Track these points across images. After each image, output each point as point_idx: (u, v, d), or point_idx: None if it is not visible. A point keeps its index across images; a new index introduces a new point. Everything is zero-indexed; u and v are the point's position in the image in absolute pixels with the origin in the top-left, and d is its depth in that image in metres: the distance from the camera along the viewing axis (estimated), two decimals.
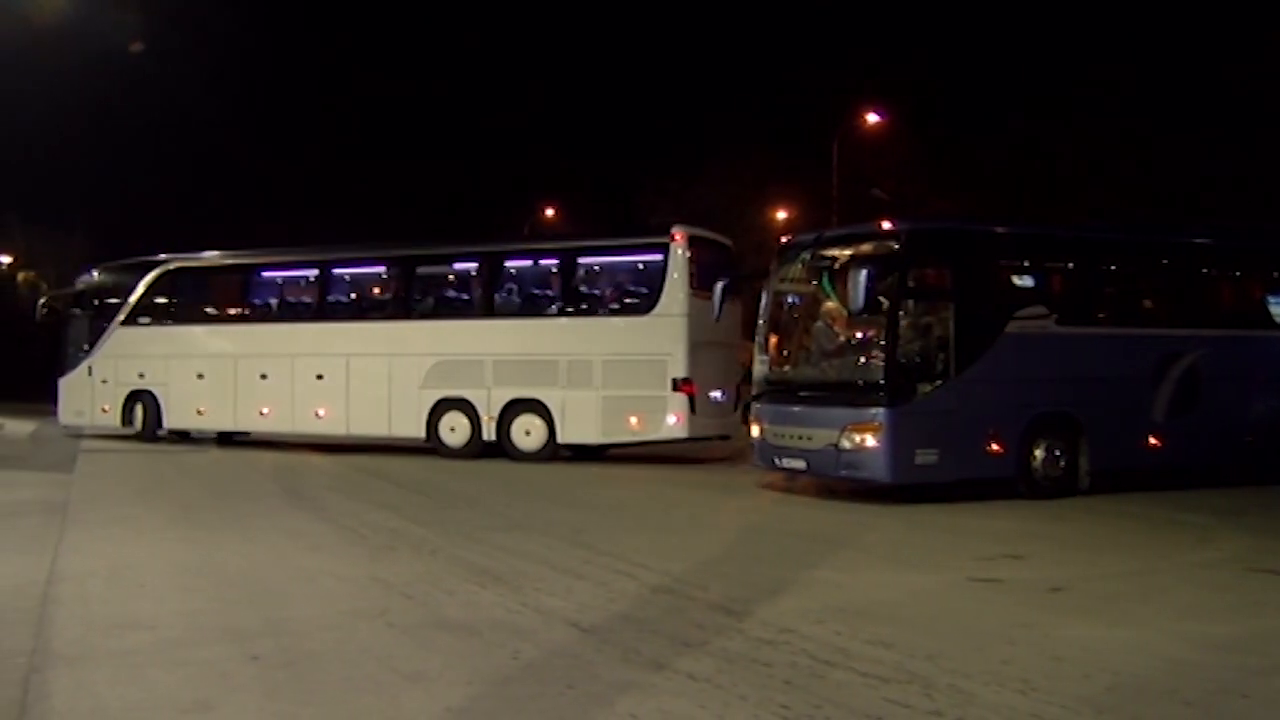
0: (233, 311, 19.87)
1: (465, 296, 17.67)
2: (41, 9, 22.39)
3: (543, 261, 17.22)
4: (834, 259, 12.04)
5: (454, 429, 16.67)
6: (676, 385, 15.04)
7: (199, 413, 19.28)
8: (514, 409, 16.18)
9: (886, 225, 11.61)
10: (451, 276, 18.06)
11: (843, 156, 35.48)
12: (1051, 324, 11.91)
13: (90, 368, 20.55)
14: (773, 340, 12.76)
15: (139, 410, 19.90)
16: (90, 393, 20.47)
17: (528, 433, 16.15)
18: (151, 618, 6.11)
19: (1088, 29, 35.16)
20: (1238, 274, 14.33)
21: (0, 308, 47.20)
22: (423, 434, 16.83)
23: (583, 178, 54.97)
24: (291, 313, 18.83)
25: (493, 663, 5.27)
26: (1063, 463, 11.85)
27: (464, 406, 16.54)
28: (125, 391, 20.02)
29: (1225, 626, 6.30)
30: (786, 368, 12.62)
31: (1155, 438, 12.41)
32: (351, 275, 18.86)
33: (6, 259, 54.11)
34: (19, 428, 22.42)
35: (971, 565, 8.02)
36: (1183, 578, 7.88)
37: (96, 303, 21.05)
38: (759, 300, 13.13)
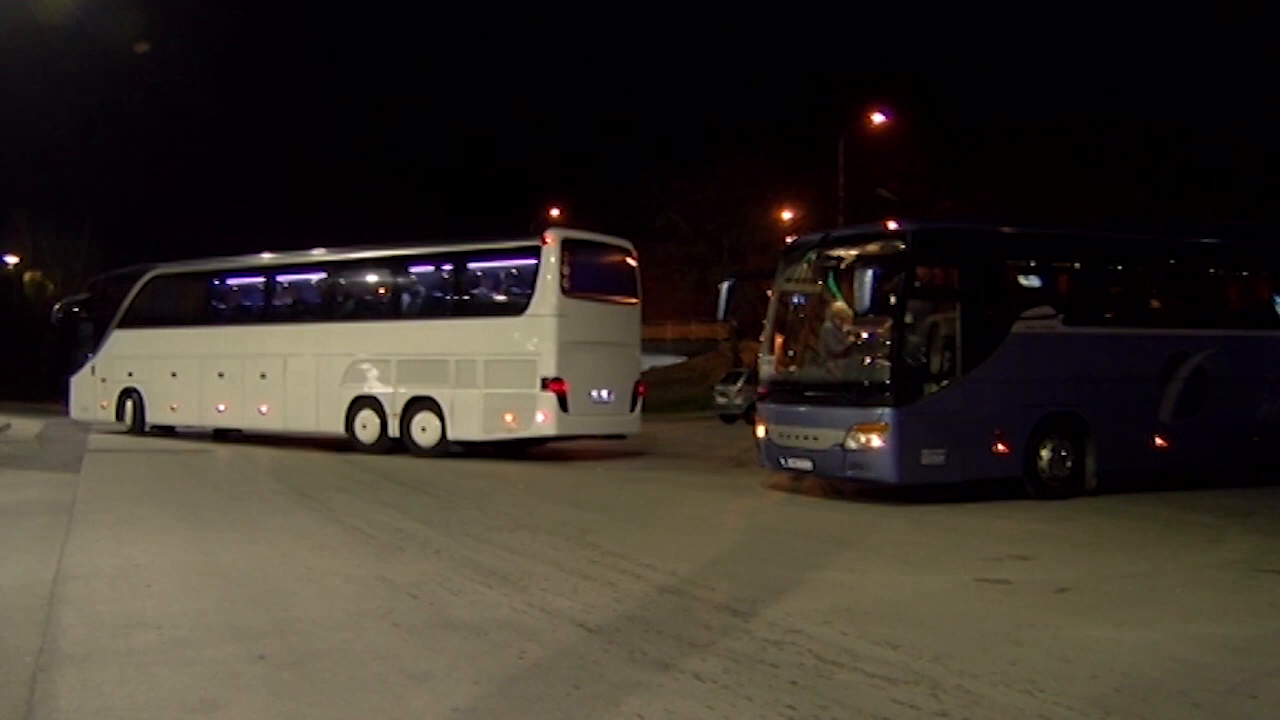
0: (198, 315, 21.10)
1: (375, 300, 18.63)
2: (47, 9, 22.45)
3: (437, 265, 17.96)
4: (840, 259, 12.04)
5: (365, 426, 17.61)
6: (545, 384, 15.56)
7: (172, 409, 20.82)
8: (414, 406, 16.97)
9: (893, 225, 11.59)
10: (363, 281, 19.02)
11: (849, 157, 35.44)
12: (1058, 324, 11.89)
13: (94, 367, 22.36)
14: (778, 340, 12.75)
15: (129, 406, 21.57)
16: (94, 390, 22.29)
17: (424, 429, 16.92)
18: (158, 617, 6.11)
19: (1093, 29, 35.07)
20: (1245, 274, 14.30)
21: (7, 307, 47.29)
22: (343, 430, 17.79)
23: (589, 178, 55.08)
24: (242, 316, 20.42)
25: (499, 663, 5.27)
26: (1069, 463, 11.83)
27: (374, 404, 17.46)
28: (118, 389, 21.76)
29: (1234, 627, 6.28)
30: (792, 368, 12.61)
31: (1162, 438, 12.38)
32: (289, 281, 20.07)
33: (13, 259, 54.22)
34: (26, 427, 22.46)
35: (979, 566, 8.00)
36: (1191, 578, 7.85)
37: (101, 307, 22.70)
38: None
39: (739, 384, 32.43)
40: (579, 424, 16.01)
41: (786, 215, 42.81)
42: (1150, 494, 12.14)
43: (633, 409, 16.76)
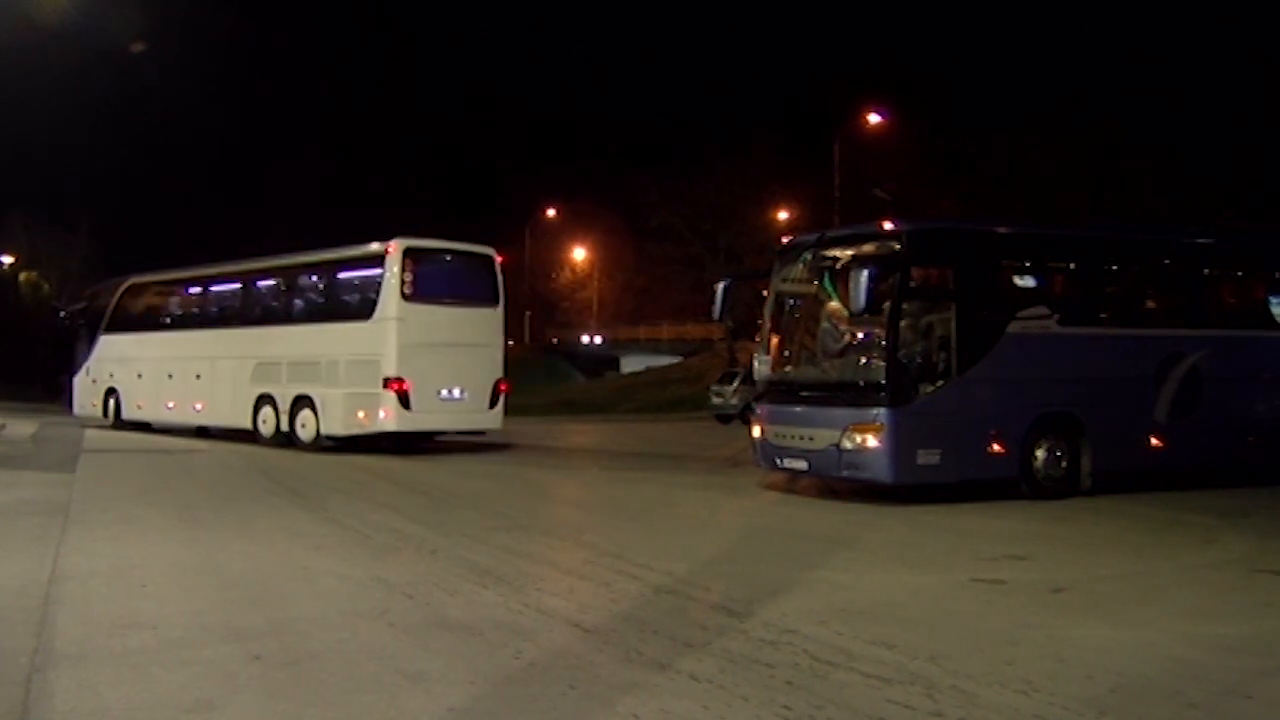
0: (156, 322, 23.12)
1: (269, 307, 20.25)
2: (43, 9, 22.40)
3: (312, 274, 19.37)
4: (835, 259, 12.03)
5: (265, 421, 18.89)
6: (386, 383, 16.59)
7: (139, 407, 22.59)
8: (298, 404, 18.22)
9: (888, 225, 11.59)
10: (261, 289, 20.65)
11: (845, 157, 35.47)
12: (1053, 324, 11.90)
13: (87, 369, 24.49)
14: (774, 341, 12.75)
15: (111, 404, 23.45)
16: (88, 390, 24.39)
17: (304, 425, 18.08)
18: (154, 617, 6.10)
19: (1092, 29, 35.13)
20: (1240, 274, 14.32)
21: (3, 308, 47.19)
22: (250, 425, 19.14)
23: (587, 178, 55.05)
24: (185, 322, 22.35)
25: (495, 663, 5.27)
26: (1065, 463, 11.84)
27: (271, 401, 18.76)
28: (104, 389, 23.72)
29: (1229, 627, 6.29)
30: (788, 368, 12.61)
31: (1157, 438, 12.40)
32: (215, 289, 21.92)
33: (9, 259, 54.10)
34: (22, 428, 22.42)
35: (974, 566, 8.01)
36: (1186, 578, 7.87)
37: (93, 314, 24.81)
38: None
39: (735, 384, 32.42)
40: (426, 420, 16.97)
41: (783, 215, 42.88)
42: (1146, 494, 12.16)
43: (492, 406, 17.57)
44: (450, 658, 5.35)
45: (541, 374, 60.29)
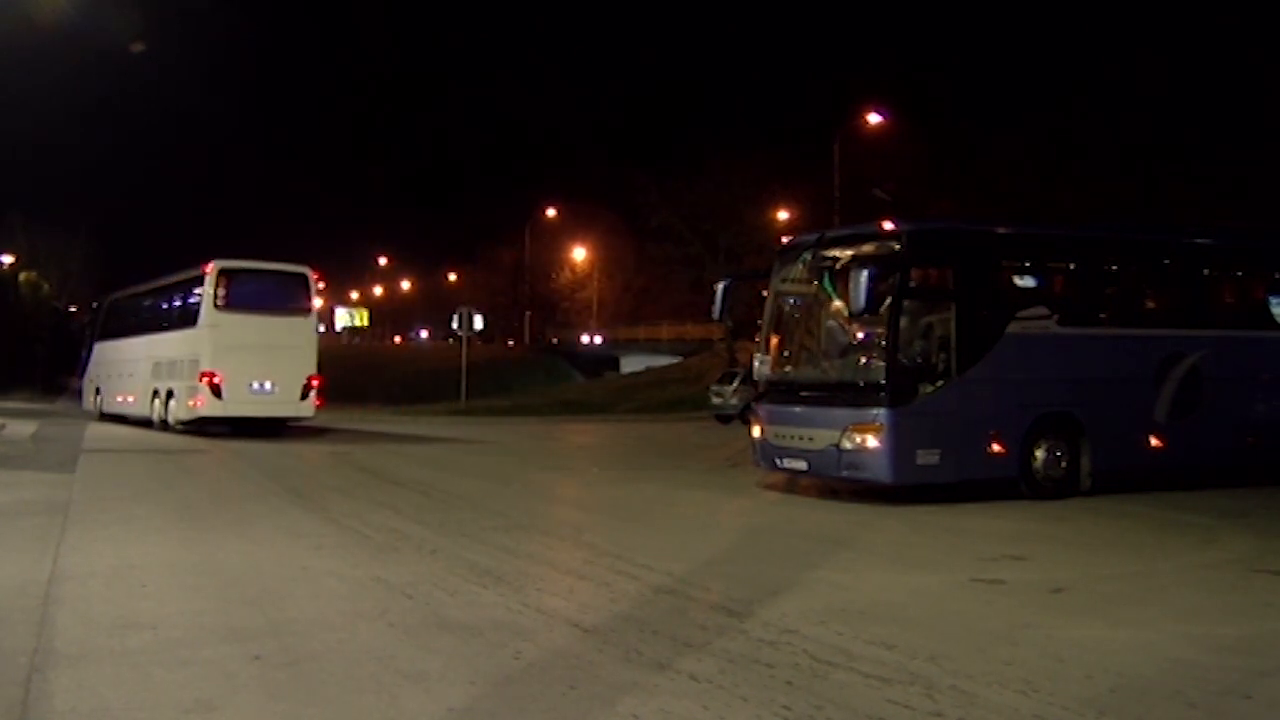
0: (120, 330, 26.76)
1: (159, 316, 24.02)
2: (43, 9, 22.40)
3: (176, 290, 23.04)
4: (835, 260, 12.03)
5: (156, 410, 22.51)
6: (201, 376, 20.25)
7: (118, 400, 25.88)
8: (167, 395, 21.93)
9: (888, 226, 11.58)
10: (157, 302, 24.68)
11: (845, 157, 35.44)
12: (1053, 324, 11.91)
13: (88, 371, 28.74)
14: (774, 341, 12.75)
15: (99, 400, 27.24)
16: (88, 388, 28.56)
17: (170, 412, 21.75)
18: (153, 618, 6.10)
19: (1093, 29, 35.12)
20: (1239, 274, 14.32)
21: (3, 308, 47.14)
22: (149, 414, 22.86)
23: (586, 178, 55.04)
24: (130, 330, 25.88)
25: (494, 663, 5.27)
26: (1064, 463, 11.84)
27: (157, 394, 22.49)
28: (94, 387, 27.86)
29: (1229, 628, 6.29)
30: (788, 368, 12.61)
31: (1157, 438, 12.40)
32: (145, 302, 25.71)
33: (9, 259, 54.04)
34: (21, 428, 22.41)
35: (974, 566, 8.01)
36: (1186, 579, 7.87)
37: (92, 324, 29.30)
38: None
39: (734, 384, 32.40)
40: (237, 408, 20.39)
41: (783, 215, 42.82)
42: (1145, 494, 12.15)
43: (303, 398, 20.89)
44: (450, 658, 5.35)
45: (541, 374, 60.33)
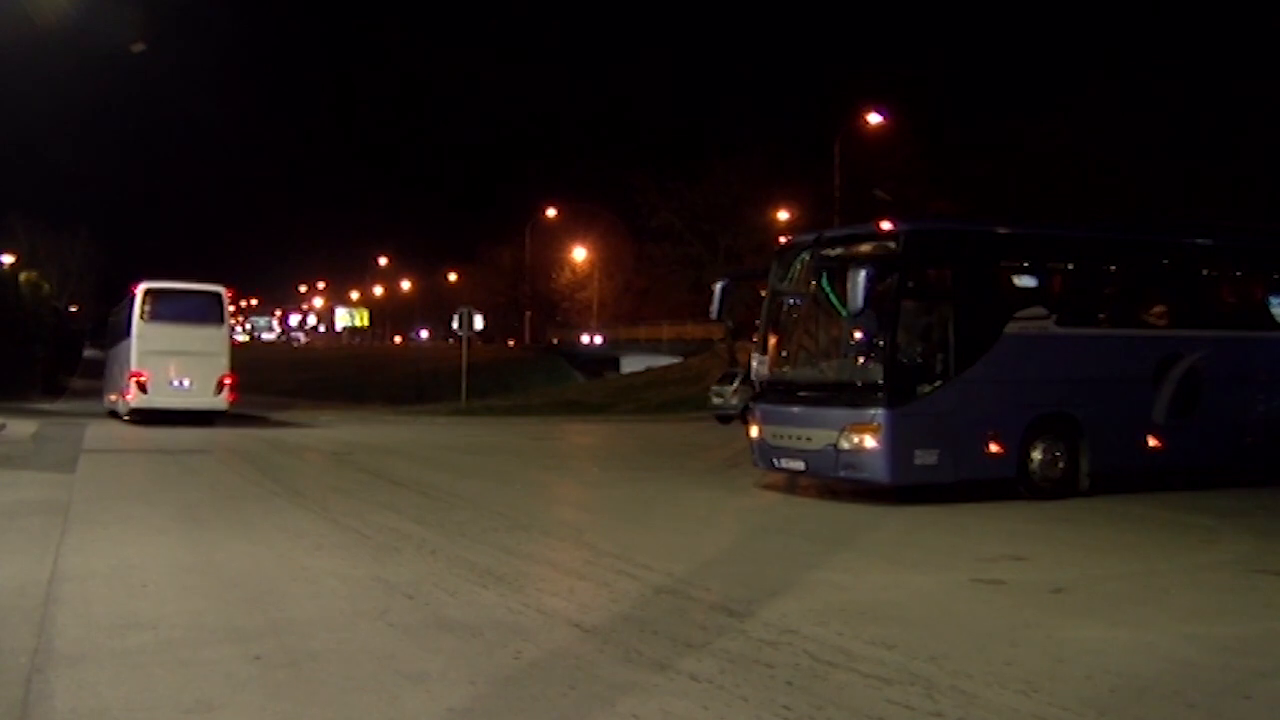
0: (110, 339, 30.73)
1: (118, 327, 27.47)
2: (43, 9, 22.39)
3: (126, 307, 26.02)
4: (833, 260, 12.01)
5: (117, 403, 26.12)
6: (129, 375, 24.11)
7: (112, 399, 29.26)
8: (116, 392, 26.35)
9: (886, 226, 11.58)
10: (120, 317, 27.71)
11: (845, 157, 35.43)
12: (1051, 324, 11.90)
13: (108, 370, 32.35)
14: (772, 341, 12.74)
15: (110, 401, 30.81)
16: (105, 391, 31.88)
17: (116, 404, 26.13)
18: (153, 618, 6.11)
19: (1092, 31, 35.11)
20: (1238, 274, 14.32)
21: (3, 308, 47.11)
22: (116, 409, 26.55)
23: (586, 178, 55.04)
24: (113, 339, 29.54)
25: (495, 663, 5.28)
26: (1063, 464, 11.83)
27: (116, 391, 26.47)
28: (106, 390, 31.71)
29: (1229, 628, 6.30)
30: (786, 368, 12.61)
31: (1156, 439, 12.39)
32: (113, 316, 29.97)
33: (9, 258, 54.06)
34: (22, 427, 22.40)
35: (973, 566, 8.02)
36: (1185, 579, 7.88)
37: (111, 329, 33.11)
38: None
39: (734, 384, 32.38)
40: (161, 401, 24.00)
41: (783, 216, 42.80)
42: (1144, 495, 12.15)
43: (217, 393, 24.58)
44: (450, 658, 5.36)
45: (542, 374, 60.29)
